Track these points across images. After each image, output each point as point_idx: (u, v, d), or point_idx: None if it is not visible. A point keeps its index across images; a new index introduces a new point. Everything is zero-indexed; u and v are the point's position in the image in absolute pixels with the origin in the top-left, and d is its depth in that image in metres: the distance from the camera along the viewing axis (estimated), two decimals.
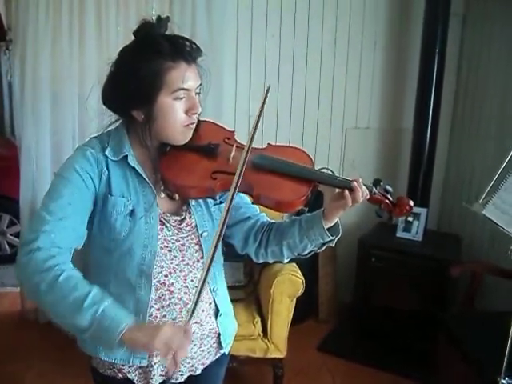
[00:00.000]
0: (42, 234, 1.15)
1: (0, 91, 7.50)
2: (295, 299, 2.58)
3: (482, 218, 2.06)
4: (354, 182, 1.26)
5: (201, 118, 1.34)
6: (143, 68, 1.19)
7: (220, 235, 1.14)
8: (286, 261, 1.45)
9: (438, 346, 2.63)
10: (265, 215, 1.49)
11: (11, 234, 4.62)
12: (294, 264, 2.59)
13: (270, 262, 1.48)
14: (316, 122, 3.56)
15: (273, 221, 1.46)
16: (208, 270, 1.12)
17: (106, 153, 1.26)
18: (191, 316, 1.13)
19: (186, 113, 1.24)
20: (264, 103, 1.26)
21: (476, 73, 3.34)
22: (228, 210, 1.14)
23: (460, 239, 3.36)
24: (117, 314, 1.11)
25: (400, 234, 3.22)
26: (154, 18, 1.25)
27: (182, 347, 1.09)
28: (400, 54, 3.54)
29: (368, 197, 1.28)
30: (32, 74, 3.10)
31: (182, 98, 1.22)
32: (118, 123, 1.32)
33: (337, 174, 1.32)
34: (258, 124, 1.23)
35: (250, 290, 2.82)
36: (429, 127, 3.23)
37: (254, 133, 1.22)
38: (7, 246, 4.65)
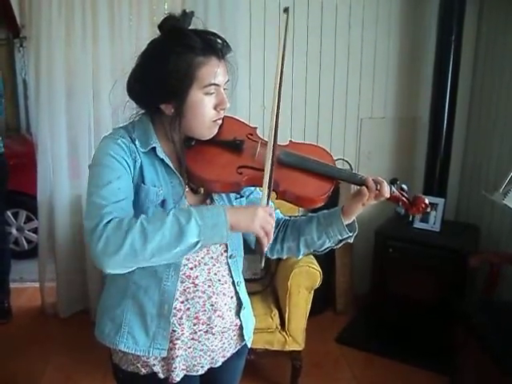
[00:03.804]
0: (104, 215, 1.12)
1: (15, 89, 7.57)
2: (313, 291, 2.57)
3: (500, 208, 2.04)
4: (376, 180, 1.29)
5: None
6: (174, 61, 1.19)
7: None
8: (300, 257, 1.46)
9: (457, 336, 2.61)
10: (279, 212, 1.49)
11: (28, 230, 4.67)
12: (311, 256, 2.56)
13: (284, 257, 1.50)
14: (331, 113, 3.53)
15: (288, 217, 1.47)
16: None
17: (135, 143, 1.26)
18: (269, 197, 1.19)
19: (215, 108, 1.25)
20: (286, 29, 1.27)
21: (493, 60, 3.28)
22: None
23: (478, 229, 3.32)
24: (210, 209, 1.16)
25: (417, 224, 3.19)
26: (178, 13, 1.25)
27: (270, 227, 1.16)
28: (415, 42, 3.49)
29: (387, 195, 1.30)
30: (47, 69, 3.11)
31: (212, 94, 1.24)
32: (140, 114, 1.32)
33: (355, 171, 1.31)
34: (279, 109, 1.28)
35: (266, 282, 2.81)
36: (445, 116, 3.19)
37: (276, 127, 1.24)
38: (25, 242, 4.71)
